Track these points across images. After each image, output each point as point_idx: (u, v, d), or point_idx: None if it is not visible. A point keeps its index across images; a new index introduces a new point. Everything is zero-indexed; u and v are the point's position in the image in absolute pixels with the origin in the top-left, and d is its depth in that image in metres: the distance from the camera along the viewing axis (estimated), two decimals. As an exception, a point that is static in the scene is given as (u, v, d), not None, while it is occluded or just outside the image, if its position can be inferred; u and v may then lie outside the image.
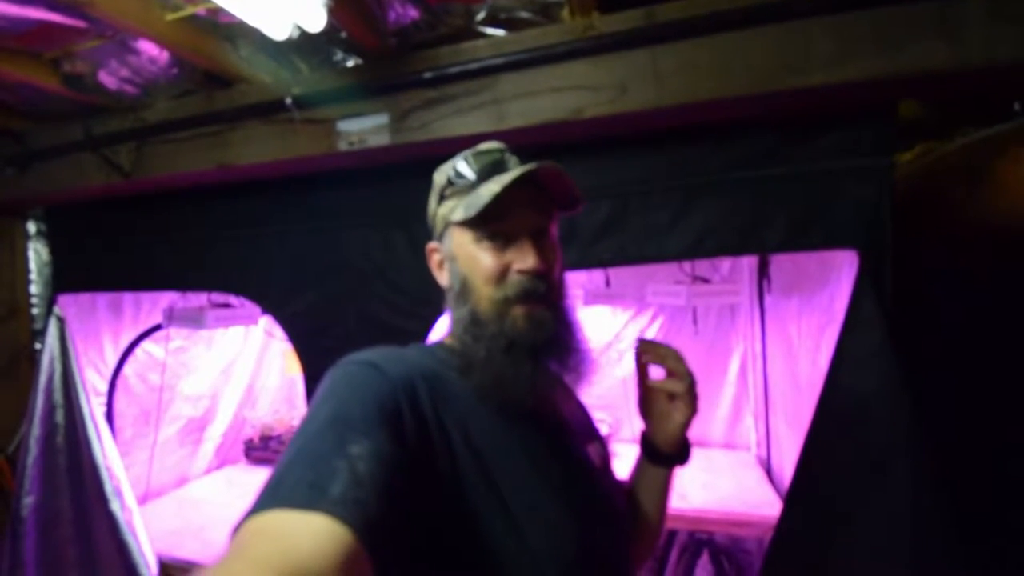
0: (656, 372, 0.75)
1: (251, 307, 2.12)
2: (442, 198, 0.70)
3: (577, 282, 2.74)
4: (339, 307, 1.52)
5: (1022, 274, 0.89)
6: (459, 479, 0.55)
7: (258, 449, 2.88)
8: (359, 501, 0.41)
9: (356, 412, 0.49)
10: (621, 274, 2.67)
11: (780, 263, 2.17)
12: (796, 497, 1.17)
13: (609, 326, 2.92)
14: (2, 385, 1.84)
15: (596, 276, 2.72)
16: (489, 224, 0.63)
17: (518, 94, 1.18)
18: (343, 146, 1.31)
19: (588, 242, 1.29)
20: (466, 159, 0.68)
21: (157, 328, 2.23)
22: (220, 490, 2.54)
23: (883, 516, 1.05)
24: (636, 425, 0.80)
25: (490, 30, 1.20)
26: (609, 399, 2.78)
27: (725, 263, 2.54)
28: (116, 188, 1.61)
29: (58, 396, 1.79)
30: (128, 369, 2.29)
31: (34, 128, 1.64)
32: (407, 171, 1.36)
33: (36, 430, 1.76)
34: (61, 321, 1.84)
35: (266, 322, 2.59)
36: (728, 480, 2.25)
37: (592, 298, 2.65)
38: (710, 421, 2.76)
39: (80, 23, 1.15)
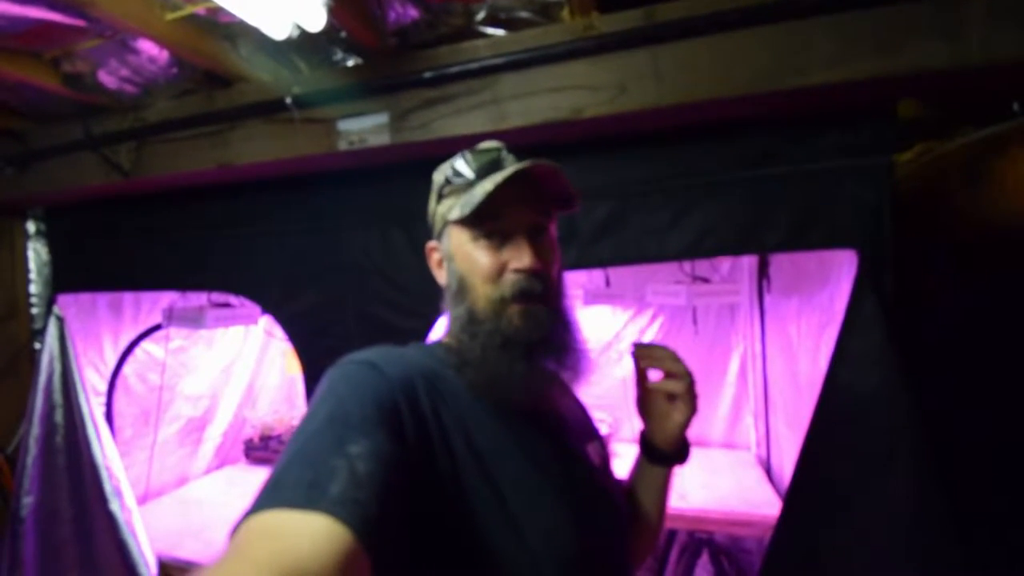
0: (655, 373, 0.75)
1: (251, 307, 2.12)
2: (441, 197, 0.70)
3: (577, 282, 2.74)
4: (339, 307, 1.52)
5: (1022, 274, 0.89)
6: (458, 479, 0.55)
7: (258, 449, 2.88)
8: (358, 501, 0.41)
9: (355, 412, 0.49)
10: (621, 274, 2.67)
11: (780, 263, 2.18)
12: (796, 496, 1.16)
13: (609, 326, 2.93)
14: (2, 385, 1.84)
15: (596, 276, 2.72)
16: (486, 223, 0.63)
17: (518, 94, 1.18)
18: (343, 146, 1.31)
19: (588, 242, 1.29)
20: (465, 158, 0.68)
21: (157, 328, 2.23)
22: (220, 490, 2.54)
23: (883, 515, 1.05)
24: (636, 425, 0.80)
25: (490, 30, 1.20)
26: (609, 399, 2.78)
27: (725, 263, 2.54)
28: (116, 188, 1.61)
29: (58, 396, 1.79)
30: (128, 369, 2.29)
31: (34, 128, 1.64)
32: (407, 171, 1.35)
33: (35, 430, 1.76)
34: (61, 321, 1.84)
35: (266, 322, 2.59)
36: (728, 480, 2.26)
37: (592, 298, 2.65)
38: (710, 421, 2.76)
39: (80, 22, 1.15)
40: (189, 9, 1.10)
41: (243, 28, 1.18)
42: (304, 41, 1.23)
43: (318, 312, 1.55)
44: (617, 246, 1.28)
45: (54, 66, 1.34)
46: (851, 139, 1.13)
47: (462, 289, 0.66)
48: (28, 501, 1.73)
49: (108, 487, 1.83)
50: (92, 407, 1.87)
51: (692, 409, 0.72)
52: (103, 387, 2.18)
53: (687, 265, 2.22)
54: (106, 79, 1.38)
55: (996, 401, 0.96)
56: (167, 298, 2.16)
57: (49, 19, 1.12)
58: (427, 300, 1.37)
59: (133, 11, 1.06)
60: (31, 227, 1.88)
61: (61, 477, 1.78)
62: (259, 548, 0.37)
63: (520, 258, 0.62)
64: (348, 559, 0.38)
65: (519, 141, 1.07)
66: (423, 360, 0.63)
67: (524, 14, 1.16)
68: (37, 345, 1.86)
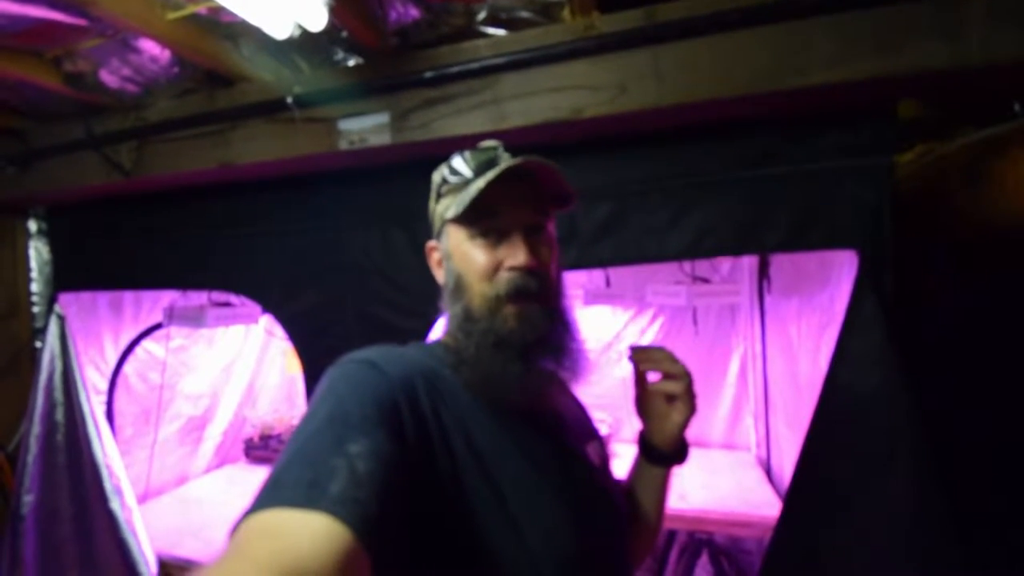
0: (653, 374, 0.75)
1: (251, 306, 2.12)
2: (439, 196, 0.70)
3: (577, 282, 2.74)
4: (339, 306, 1.52)
5: (1022, 274, 0.89)
6: (458, 478, 0.55)
7: (258, 448, 2.88)
8: (358, 500, 0.41)
9: (355, 411, 0.49)
10: (621, 274, 2.67)
11: (780, 263, 2.18)
12: (796, 496, 1.16)
13: (609, 326, 2.93)
14: (3, 383, 1.84)
15: (596, 276, 2.72)
16: (482, 221, 0.63)
17: (518, 94, 1.18)
18: (344, 145, 1.31)
19: (588, 242, 1.30)
20: (463, 157, 0.68)
21: (157, 327, 2.23)
22: (220, 489, 2.54)
23: (883, 515, 1.05)
24: (636, 425, 0.80)
25: (491, 30, 1.20)
26: (609, 399, 2.78)
27: (725, 263, 2.54)
28: (117, 187, 1.61)
29: (58, 394, 1.80)
30: (128, 368, 2.30)
31: (35, 127, 1.65)
32: (407, 171, 1.36)
33: (36, 428, 1.76)
34: (62, 319, 1.84)
35: (266, 321, 2.60)
36: (728, 480, 2.26)
37: (592, 298, 2.65)
38: (710, 421, 2.76)
39: (81, 22, 1.15)
40: (191, 8, 1.10)
41: (244, 28, 1.19)
42: (305, 41, 1.23)
43: (318, 312, 1.55)
44: (617, 246, 1.28)
45: (55, 65, 1.34)
46: (851, 139, 1.13)
47: (459, 287, 0.66)
48: (28, 499, 1.74)
49: (108, 485, 1.83)
50: (93, 406, 1.87)
51: (691, 409, 0.72)
52: (104, 386, 2.18)
53: (687, 265, 2.22)
54: (107, 78, 1.38)
55: (996, 401, 0.96)
56: (168, 297, 2.16)
57: (50, 18, 1.12)
58: (427, 300, 1.35)
59: (134, 10, 1.07)
60: (32, 226, 1.88)
61: (61, 475, 1.78)
62: (259, 547, 0.37)
63: (516, 256, 0.62)
64: (348, 558, 0.38)
65: (519, 141, 1.07)
66: (423, 359, 0.63)
67: (525, 14, 1.16)
68: (38, 344, 1.86)
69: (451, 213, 0.65)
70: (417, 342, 0.71)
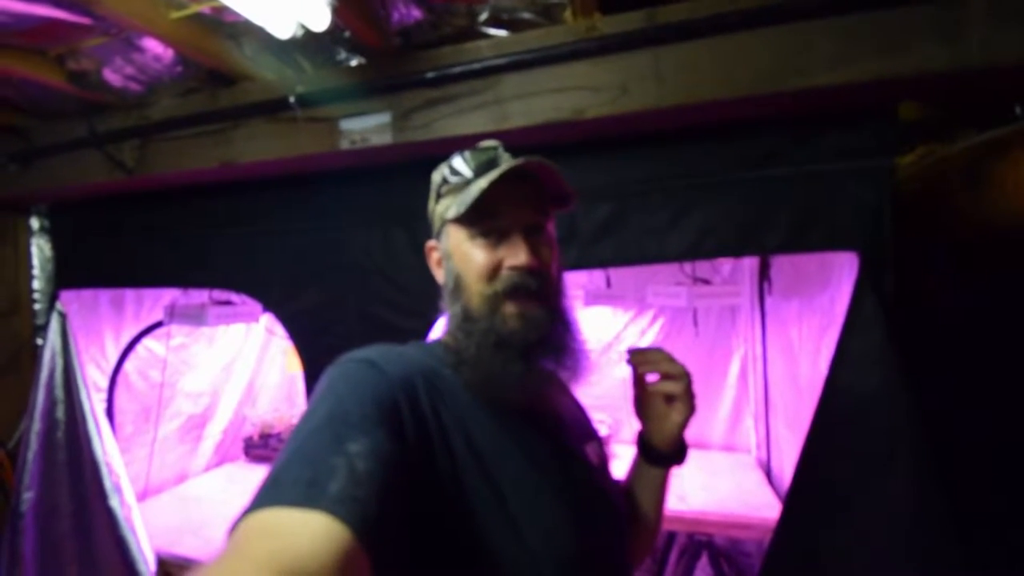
0: (652, 376, 0.75)
1: (252, 305, 2.12)
2: (439, 196, 0.70)
3: (577, 283, 2.74)
4: (340, 305, 1.53)
5: (1022, 275, 0.89)
6: (458, 478, 0.55)
7: (258, 447, 2.88)
8: (357, 499, 0.41)
9: (354, 410, 0.49)
10: (622, 275, 2.67)
11: (781, 265, 2.17)
12: (796, 497, 1.16)
13: (610, 327, 2.93)
14: (3, 380, 1.85)
15: (597, 276, 2.72)
16: (482, 221, 0.63)
17: (520, 94, 1.18)
18: (345, 145, 1.31)
19: (588, 242, 1.30)
20: (463, 157, 0.68)
21: (158, 325, 2.23)
22: (219, 487, 2.55)
23: (883, 516, 1.05)
24: (636, 426, 0.80)
25: (493, 30, 1.20)
26: (609, 400, 2.78)
27: (726, 264, 2.54)
28: (119, 185, 1.61)
29: (59, 392, 1.80)
30: (129, 365, 2.30)
31: (38, 124, 1.65)
32: (409, 170, 1.36)
33: (36, 425, 1.77)
34: (63, 317, 1.85)
35: (267, 320, 2.60)
36: (728, 482, 2.25)
37: (593, 299, 2.65)
38: (710, 423, 2.76)
39: (85, 20, 1.15)
40: (194, 8, 1.11)
41: (248, 27, 1.19)
42: (308, 40, 1.23)
43: (319, 311, 1.55)
44: (618, 246, 1.28)
45: (59, 63, 1.35)
46: (852, 141, 1.13)
47: (458, 287, 0.66)
48: (28, 496, 1.74)
49: (108, 483, 1.83)
50: (93, 403, 1.87)
51: (690, 409, 0.72)
52: (104, 383, 2.19)
53: (688, 266, 2.22)
54: (111, 77, 1.38)
55: (996, 401, 0.96)
56: (169, 295, 2.16)
57: (54, 16, 1.12)
58: (428, 300, 1.36)
59: (138, 9, 1.07)
60: (35, 223, 1.89)
61: (61, 473, 1.78)
62: (258, 546, 0.37)
63: (516, 255, 0.62)
64: (347, 558, 0.38)
65: (521, 141, 1.07)
66: (423, 359, 0.63)
67: (527, 15, 1.16)
68: (39, 341, 1.86)
69: (451, 213, 0.65)
70: (417, 342, 0.71)
